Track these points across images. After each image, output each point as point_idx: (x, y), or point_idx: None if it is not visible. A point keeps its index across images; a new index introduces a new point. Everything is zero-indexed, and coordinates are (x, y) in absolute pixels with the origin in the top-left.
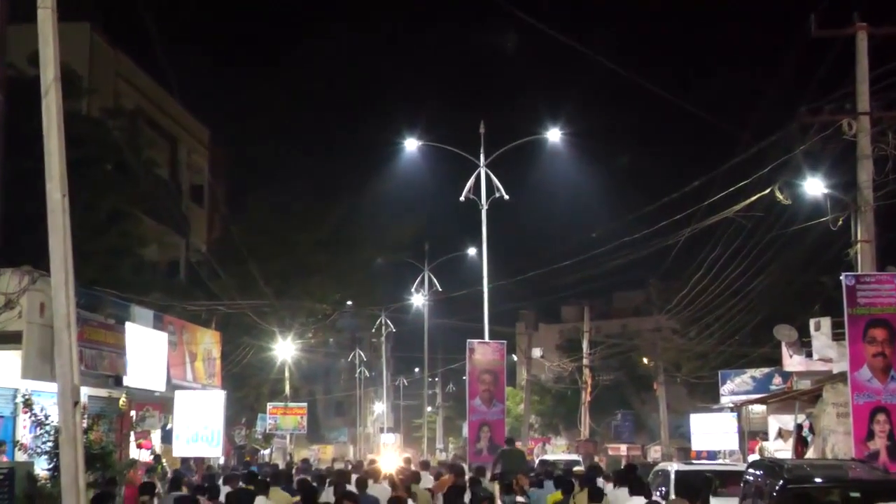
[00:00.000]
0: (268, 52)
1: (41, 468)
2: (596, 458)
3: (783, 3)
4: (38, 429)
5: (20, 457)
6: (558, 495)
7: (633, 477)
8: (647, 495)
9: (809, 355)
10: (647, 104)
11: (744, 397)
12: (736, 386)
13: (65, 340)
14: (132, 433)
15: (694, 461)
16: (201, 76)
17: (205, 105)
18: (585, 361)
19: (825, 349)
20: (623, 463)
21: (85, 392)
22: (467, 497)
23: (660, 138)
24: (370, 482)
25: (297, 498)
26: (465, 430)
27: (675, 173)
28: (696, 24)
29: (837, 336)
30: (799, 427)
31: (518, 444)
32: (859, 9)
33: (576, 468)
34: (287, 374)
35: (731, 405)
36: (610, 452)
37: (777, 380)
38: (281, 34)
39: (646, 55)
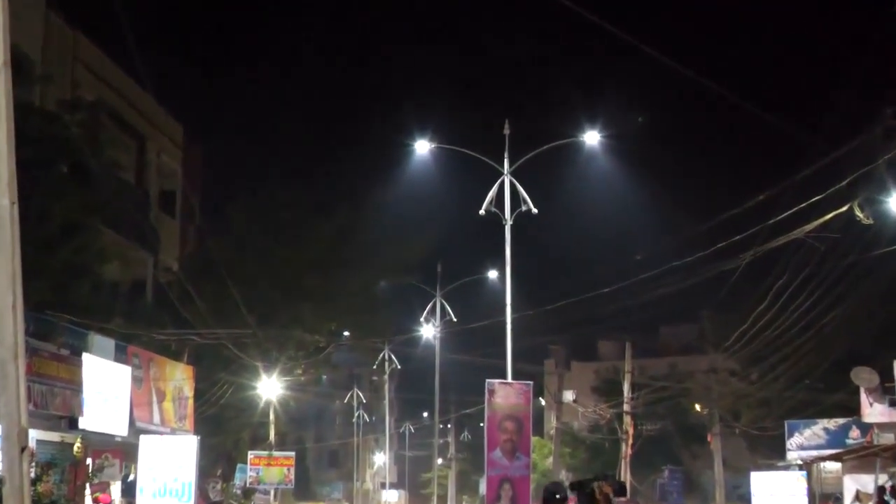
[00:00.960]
0: (258, 39)
1: None
2: None
3: None
4: None
5: None
6: None
7: None
8: None
9: (893, 403)
10: (701, 104)
11: (815, 453)
12: (805, 439)
13: (11, 374)
14: (88, 485)
15: None
16: (177, 64)
17: (179, 98)
18: (626, 407)
19: None
20: None
21: (33, 435)
22: None
23: (716, 144)
24: None
25: None
26: (483, 488)
27: (735, 186)
28: (759, 11)
29: None
30: (881, 490)
31: None
32: None
33: None
34: (272, 417)
35: (799, 462)
36: None
37: (854, 432)
38: (275, 21)
39: (699, 48)
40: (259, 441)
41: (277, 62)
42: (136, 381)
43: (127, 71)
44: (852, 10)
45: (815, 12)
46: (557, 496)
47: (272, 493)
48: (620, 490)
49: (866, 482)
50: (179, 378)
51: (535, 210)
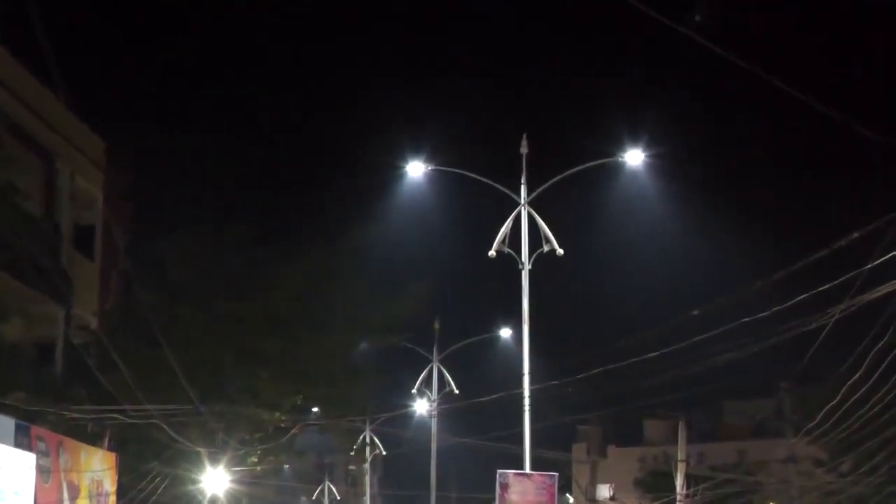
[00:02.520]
0: (209, 31)
1: None
2: None
3: None
4: None
5: None
6: None
7: None
8: None
9: None
10: (777, 117)
11: None
12: None
13: None
14: None
15: None
16: (101, 66)
17: (102, 107)
18: None
19: None
20: None
21: None
22: None
23: (798, 167)
24: None
25: None
26: None
27: (820, 219)
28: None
29: None
30: None
31: None
32: None
33: None
34: None
35: None
36: None
37: None
38: (234, 20)
39: (775, 46)
40: None
41: (232, 66)
42: (42, 471)
43: (36, 72)
44: None
45: None
46: None
47: None
48: None
49: None
50: (98, 468)
51: (559, 251)
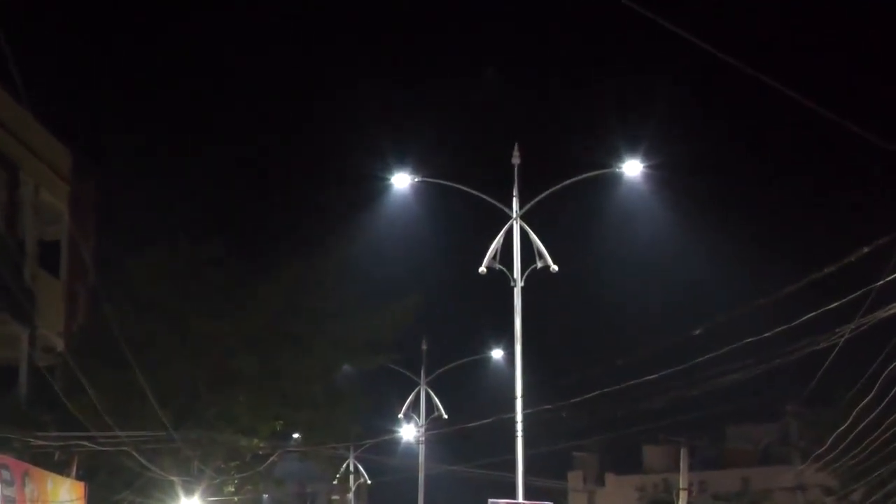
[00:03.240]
0: (176, 40)
1: None
2: None
3: None
4: None
5: None
6: None
7: None
8: None
9: None
10: (783, 124)
11: None
12: None
13: None
14: None
15: None
16: (67, 71)
17: (71, 115)
18: None
19: None
20: None
21: None
22: None
23: (805, 178)
24: None
25: None
26: None
27: (830, 235)
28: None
29: None
30: None
31: None
32: None
33: None
34: None
35: None
36: None
37: None
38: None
39: (780, 51)
40: None
41: (211, 73)
42: (7, 502)
43: None
44: None
45: None
46: None
47: None
48: None
49: None
50: (66, 499)
51: (553, 267)
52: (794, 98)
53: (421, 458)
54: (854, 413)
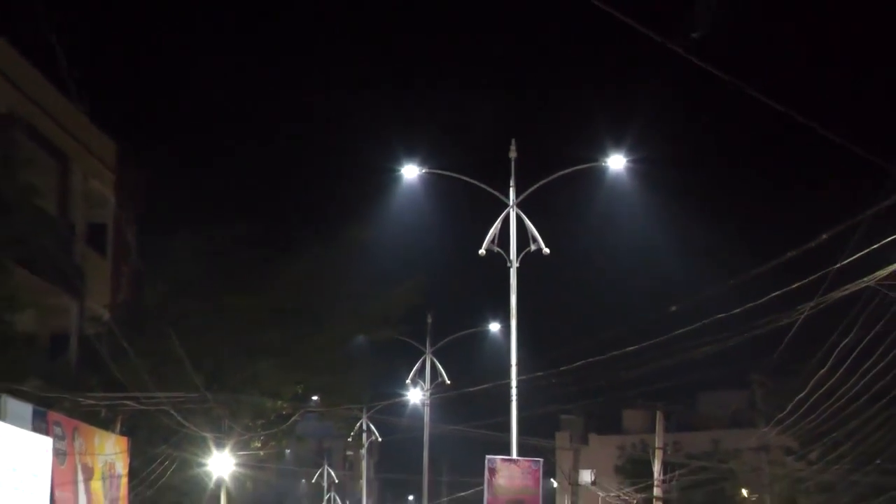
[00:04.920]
0: (214, 41)
1: None
2: None
3: None
4: None
5: None
6: None
7: None
8: None
9: None
10: (752, 124)
11: None
12: None
13: None
14: None
15: None
16: (114, 71)
17: (115, 111)
18: (657, 491)
19: None
20: None
21: None
22: None
23: (772, 173)
24: None
25: None
26: None
27: (792, 222)
28: (818, 9)
29: None
30: None
31: None
32: None
33: None
34: (224, 499)
35: None
36: None
37: None
38: (234, 22)
39: (751, 55)
40: None
41: (240, 76)
42: (59, 454)
43: (50, 77)
44: None
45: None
46: None
47: None
48: None
49: None
50: (111, 452)
51: (546, 250)
52: (765, 101)
53: (426, 419)
54: (812, 382)
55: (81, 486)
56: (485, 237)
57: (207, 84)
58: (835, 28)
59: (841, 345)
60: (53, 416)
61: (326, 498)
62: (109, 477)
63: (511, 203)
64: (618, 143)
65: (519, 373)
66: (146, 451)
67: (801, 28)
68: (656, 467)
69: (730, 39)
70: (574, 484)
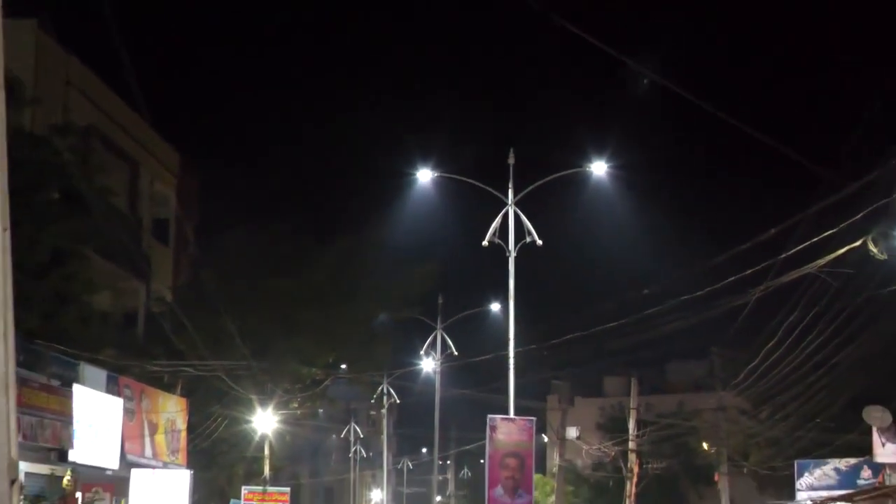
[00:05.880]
0: (255, 67)
1: None
2: None
3: (879, 20)
4: None
5: None
6: None
7: None
8: None
9: None
10: (713, 136)
11: (825, 493)
12: (816, 479)
13: (1, 405)
14: None
15: None
16: (175, 89)
17: (176, 124)
18: (632, 445)
19: None
20: None
21: (23, 468)
22: None
23: (729, 177)
24: None
25: None
26: None
27: (746, 219)
28: (770, 41)
29: None
30: None
31: None
32: None
33: None
34: (267, 451)
35: (809, 502)
36: None
37: (866, 473)
38: (271, 49)
39: (713, 79)
40: (253, 476)
41: (280, 93)
42: (128, 412)
43: (121, 94)
44: (871, 45)
45: (833, 46)
46: None
47: None
48: None
49: None
50: (172, 410)
51: (539, 241)
52: (722, 117)
53: (437, 385)
54: (762, 353)
55: (147, 440)
56: (487, 231)
57: (253, 101)
58: (796, 49)
59: (787, 322)
60: (124, 380)
61: (353, 450)
62: (171, 431)
63: (510, 202)
64: (600, 151)
65: (516, 345)
66: (202, 409)
67: (762, 50)
68: (631, 425)
69: (697, 61)
70: (562, 439)
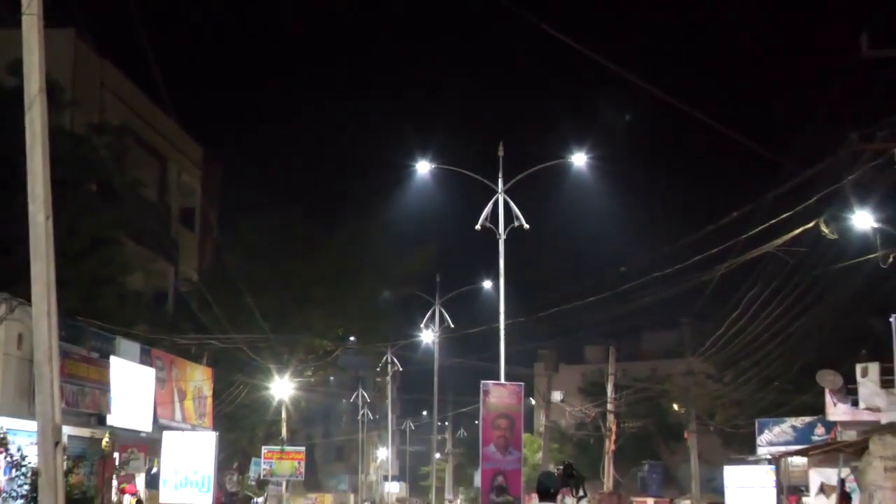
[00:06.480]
0: (269, 69)
1: None
2: None
3: (832, 21)
4: (14, 470)
5: None
6: None
7: None
8: None
9: (855, 404)
10: (682, 128)
11: (783, 448)
12: (774, 436)
13: (46, 375)
14: (115, 477)
15: None
16: (196, 90)
17: (200, 122)
18: (610, 407)
19: (872, 397)
20: None
21: (66, 431)
22: None
23: (696, 166)
24: None
25: None
26: (478, 479)
27: (712, 203)
28: (738, 44)
29: (886, 383)
30: (842, 482)
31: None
32: None
33: None
34: (284, 415)
35: (768, 457)
36: None
37: (819, 430)
38: (283, 51)
39: (681, 77)
40: (272, 437)
41: (293, 95)
42: (160, 381)
43: (151, 96)
44: (824, 45)
45: (791, 47)
46: (551, 490)
47: (284, 484)
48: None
49: (830, 475)
50: (199, 379)
51: (526, 226)
52: (694, 114)
53: (436, 354)
54: (726, 323)
55: (177, 405)
56: (480, 216)
57: (268, 100)
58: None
59: (748, 295)
60: (156, 352)
61: (361, 413)
62: (198, 398)
63: (500, 190)
64: (580, 143)
65: (506, 318)
66: (225, 378)
67: (730, 46)
68: (609, 388)
69: (669, 60)
70: (548, 402)
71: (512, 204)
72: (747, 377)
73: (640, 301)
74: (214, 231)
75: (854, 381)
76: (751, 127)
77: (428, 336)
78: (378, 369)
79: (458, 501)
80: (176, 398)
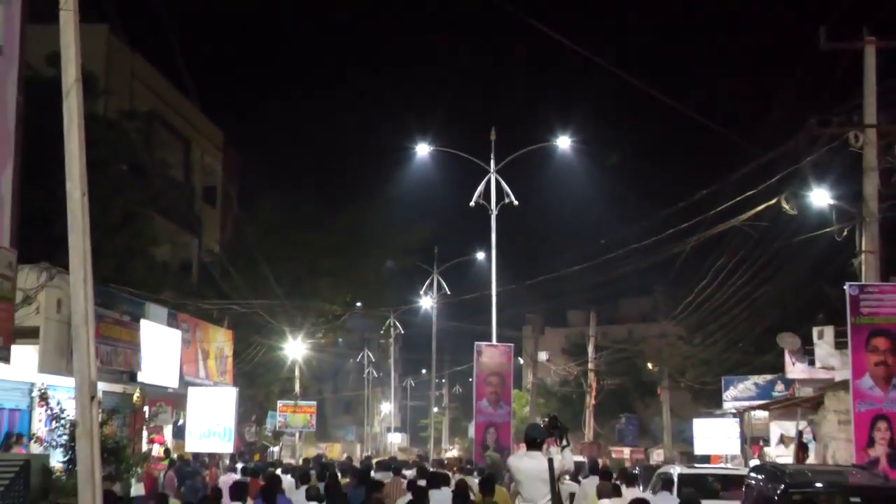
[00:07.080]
0: (283, 58)
1: (56, 461)
2: (599, 461)
3: (795, 15)
4: (54, 422)
5: (35, 449)
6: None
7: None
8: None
9: (812, 363)
10: (657, 114)
11: (746, 403)
12: (739, 392)
13: (82, 336)
14: (145, 428)
15: (697, 465)
16: (217, 78)
17: (220, 107)
18: (591, 366)
19: (828, 358)
20: (626, 465)
21: (100, 387)
22: None
23: (669, 148)
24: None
25: None
26: (472, 431)
27: (684, 182)
28: (708, 34)
29: (840, 345)
30: (800, 433)
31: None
32: (868, 23)
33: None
34: (297, 373)
35: (733, 411)
36: (613, 455)
37: (780, 387)
38: (294, 41)
39: (657, 65)
40: (286, 392)
41: (303, 83)
42: (185, 342)
43: (176, 85)
44: (787, 32)
45: (757, 34)
46: (538, 440)
47: (297, 435)
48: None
49: (789, 428)
50: (220, 340)
51: (516, 202)
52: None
53: (434, 318)
54: (696, 290)
55: (201, 364)
56: (474, 194)
57: (283, 83)
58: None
59: (716, 265)
60: (181, 316)
61: (366, 372)
62: (220, 357)
63: (492, 170)
64: (565, 128)
65: (498, 286)
66: (244, 339)
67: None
68: (590, 349)
69: (645, 47)
70: (535, 361)
71: (503, 182)
72: (715, 339)
73: (619, 270)
74: (234, 207)
75: (811, 343)
76: (721, 114)
77: (427, 302)
78: (382, 332)
79: (455, 450)
80: (200, 357)
